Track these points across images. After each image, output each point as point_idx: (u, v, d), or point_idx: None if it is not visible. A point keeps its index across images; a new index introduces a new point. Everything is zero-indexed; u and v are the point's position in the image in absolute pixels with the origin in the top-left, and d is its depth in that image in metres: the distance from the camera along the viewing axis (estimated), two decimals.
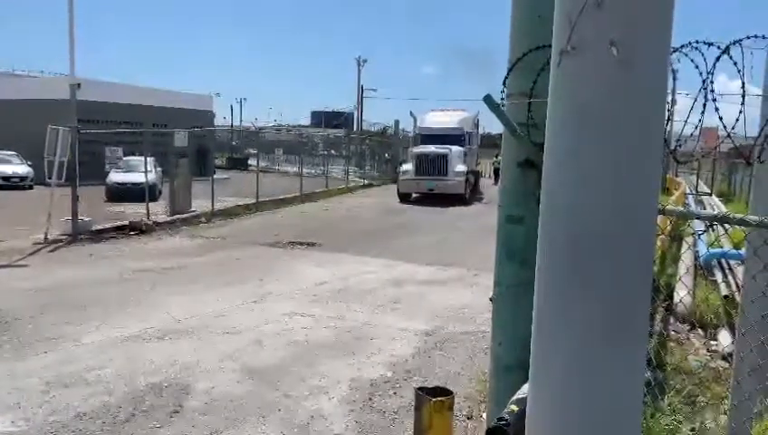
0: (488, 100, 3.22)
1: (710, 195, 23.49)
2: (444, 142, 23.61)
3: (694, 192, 23.38)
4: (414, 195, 23.66)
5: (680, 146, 3.03)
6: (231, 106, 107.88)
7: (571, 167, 1.91)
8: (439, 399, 2.65)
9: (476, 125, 27.66)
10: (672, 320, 7.49)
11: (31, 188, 24.17)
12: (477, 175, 28.47)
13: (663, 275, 9.47)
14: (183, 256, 11.64)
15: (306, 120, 77.82)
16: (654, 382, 5.06)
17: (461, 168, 23.15)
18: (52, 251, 11.73)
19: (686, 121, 2.83)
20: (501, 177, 3.77)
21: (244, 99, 78.61)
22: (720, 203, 20.50)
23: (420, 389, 3.12)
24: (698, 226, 11.50)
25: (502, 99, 3.39)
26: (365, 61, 50.87)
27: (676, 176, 31.26)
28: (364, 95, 50.53)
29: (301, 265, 11.04)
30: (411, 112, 29.22)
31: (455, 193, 22.56)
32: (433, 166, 22.95)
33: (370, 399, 5.25)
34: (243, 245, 13.09)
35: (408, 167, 23.85)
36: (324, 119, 66.25)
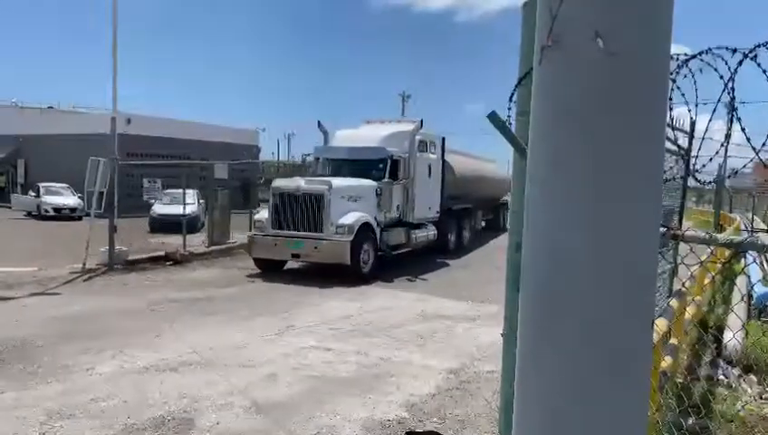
0: (493, 117, 2.96)
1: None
2: (355, 171, 14.30)
3: (750, 229, 22.29)
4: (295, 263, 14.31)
5: (704, 166, 2.70)
6: (278, 141, 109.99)
7: (553, 178, 1.63)
8: None
9: (429, 144, 16.09)
10: (722, 363, 6.94)
11: (80, 219, 24.87)
12: (456, 224, 18.12)
13: (712, 316, 8.90)
14: (214, 287, 11.57)
15: None
16: (699, 431, 4.61)
17: (351, 218, 13.00)
18: (86, 280, 11.84)
19: (703, 138, 2.51)
20: (510, 201, 3.50)
21: (293, 133, 79.92)
22: None
23: (410, 433, 2.83)
24: (753, 271, 10.84)
25: (508, 116, 3.14)
26: (409, 96, 51.24)
27: (731, 212, 30.04)
28: None
29: (330, 297, 10.82)
30: (320, 123, 16.18)
31: (334, 262, 12.86)
32: (300, 214, 13.13)
33: None
34: (275, 276, 12.97)
35: (262, 215, 14.02)
36: None
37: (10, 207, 28.79)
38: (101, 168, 13.27)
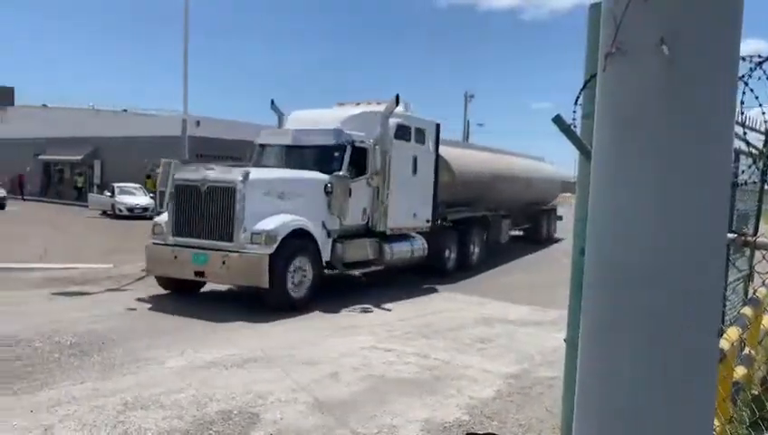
0: (558, 120, 2.95)
1: None
2: (310, 163, 11.06)
3: None
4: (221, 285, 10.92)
5: None
6: None
7: (617, 186, 1.63)
8: None
9: (414, 132, 12.41)
10: None
11: (151, 218, 25.84)
12: (458, 237, 14.15)
13: None
14: None
15: None
16: None
17: (274, 222, 9.61)
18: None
19: None
20: (575, 205, 3.45)
21: None
22: None
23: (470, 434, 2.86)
24: None
25: (573, 119, 3.12)
26: (472, 96, 50.86)
27: None
28: (471, 130, 50.46)
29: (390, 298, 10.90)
30: (273, 102, 12.69)
31: (248, 284, 9.75)
32: (206, 215, 9.94)
33: None
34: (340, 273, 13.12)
35: (163, 217, 10.93)
36: None
37: (87, 207, 30.34)
38: (173, 169, 13.78)
